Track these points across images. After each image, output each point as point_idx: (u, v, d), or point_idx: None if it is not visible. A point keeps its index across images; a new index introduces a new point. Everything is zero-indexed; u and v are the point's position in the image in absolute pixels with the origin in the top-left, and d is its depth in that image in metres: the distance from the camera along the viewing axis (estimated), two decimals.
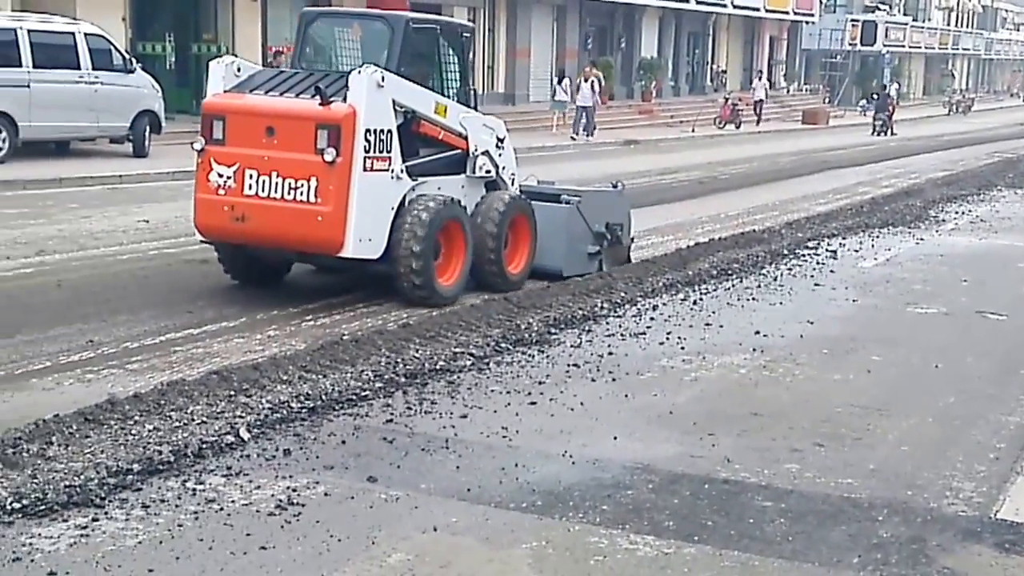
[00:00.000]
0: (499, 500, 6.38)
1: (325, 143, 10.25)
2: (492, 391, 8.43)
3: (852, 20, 67.09)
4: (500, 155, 12.19)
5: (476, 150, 11.81)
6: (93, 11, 24.76)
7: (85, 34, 21.25)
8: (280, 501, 6.21)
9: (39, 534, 5.69)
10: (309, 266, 12.11)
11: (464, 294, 11.53)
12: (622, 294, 11.85)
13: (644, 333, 10.41)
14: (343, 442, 7.22)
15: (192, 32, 30.42)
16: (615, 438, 7.52)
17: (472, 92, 12.24)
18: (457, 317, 10.37)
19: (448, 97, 11.73)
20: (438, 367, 8.85)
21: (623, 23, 47.39)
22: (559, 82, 36.34)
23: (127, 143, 22.17)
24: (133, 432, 6.98)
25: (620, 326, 10.63)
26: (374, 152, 10.45)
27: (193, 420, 7.27)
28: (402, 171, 10.82)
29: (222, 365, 8.66)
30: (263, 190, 10.47)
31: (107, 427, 7.03)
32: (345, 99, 10.37)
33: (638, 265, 13.65)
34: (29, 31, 20.29)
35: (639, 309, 11.39)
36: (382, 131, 10.51)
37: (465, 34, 12.44)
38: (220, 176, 10.63)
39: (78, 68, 20.94)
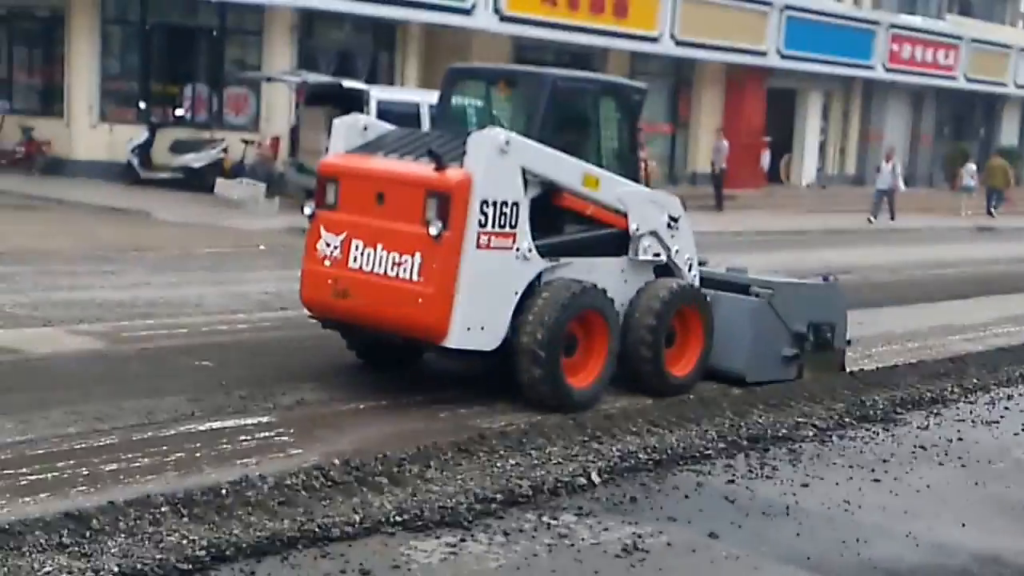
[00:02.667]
0: (839, 572, 6.20)
1: (434, 214, 8.59)
2: (834, 464, 8.21)
3: None
4: (673, 236, 10.02)
5: (638, 229, 9.74)
6: None
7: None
8: (626, 545, 6.31)
9: (415, 547, 6.05)
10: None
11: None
12: (974, 380, 11.16)
13: (997, 422, 9.78)
14: (686, 496, 7.24)
15: None
16: (963, 525, 7.10)
17: (641, 164, 10.37)
18: (801, 388, 10.14)
19: (610, 168, 9.81)
20: (780, 434, 8.72)
21: (982, 111, 45.36)
22: (961, 166, 35.31)
23: None
24: (498, 465, 7.30)
25: (971, 412, 10.04)
26: (493, 227, 8.65)
27: (550, 460, 7.51)
28: (531, 250, 8.92)
29: (577, 412, 8.86)
30: (367, 263, 8.90)
31: (476, 458, 7.39)
32: (463, 164, 8.74)
33: (994, 352, 12.74)
34: (430, 104, 21.64)
35: (992, 397, 10.70)
36: (505, 203, 8.71)
37: (635, 96, 10.28)
38: (328, 245, 9.16)
39: None
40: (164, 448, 7.39)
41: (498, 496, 6.76)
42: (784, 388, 10.13)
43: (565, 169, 9.26)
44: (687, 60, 32.07)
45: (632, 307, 9.65)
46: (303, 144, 22.07)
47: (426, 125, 21.43)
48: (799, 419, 9.15)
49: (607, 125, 10.10)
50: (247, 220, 20.02)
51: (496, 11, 26.10)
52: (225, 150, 23.32)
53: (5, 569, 5.20)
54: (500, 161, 8.67)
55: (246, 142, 23.39)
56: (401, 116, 21.45)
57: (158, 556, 5.49)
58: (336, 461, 6.99)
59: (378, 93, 21.48)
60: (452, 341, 8.60)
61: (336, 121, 9.62)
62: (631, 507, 6.94)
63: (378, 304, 8.86)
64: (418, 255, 8.62)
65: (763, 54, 32.69)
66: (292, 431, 8.00)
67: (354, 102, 21.38)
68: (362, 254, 8.95)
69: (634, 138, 10.26)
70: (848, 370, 11.00)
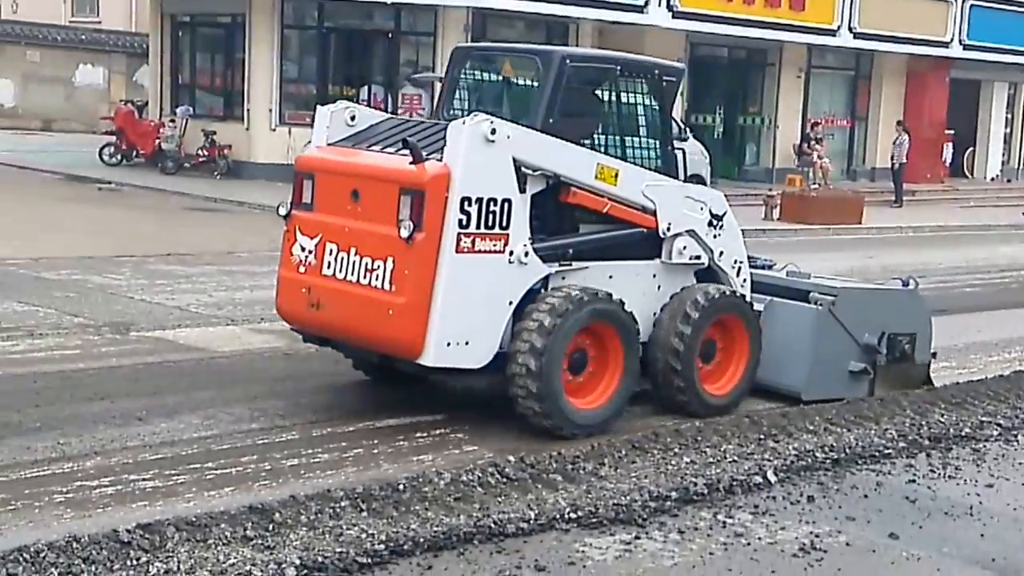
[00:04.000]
0: None
1: (407, 213, 7.65)
2: (1020, 464, 7.96)
3: None
4: (715, 237, 8.89)
5: (669, 229, 8.64)
6: None
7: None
8: (803, 544, 6.25)
9: (590, 543, 6.10)
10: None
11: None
12: None
13: None
14: (865, 496, 7.12)
15: (740, 104, 31.11)
16: None
17: (676, 154, 9.06)
18: (984, 387, 9.81)
19: (637, 159, 8.71)
20: (963, 434, 8.47)
21: None
22: None
23: None
24: (672, 462, 7.30)
25: None
26: (477, 227, 7.63)
27: (725, 458, 7.49)
28: (527, 254, 7.85)
29: (751, 409, 8.79)
30: (340, 270, 8.01)
31: (650, 455, 7.40)
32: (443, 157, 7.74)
33: None
34: None
35: None
36: (492, 200, 7.70)
37: (666, 78, 8.93)
38: (302, 250, 8.27)
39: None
40: (343, 444, 7.61)
41: (673, 494, 6.76)
42: (968, 386, 9.82)
43: (572, 161, 8.18)
44: (866, 52, 31.32)
45: (661, 317, 8.62)
46: None
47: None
48: (983, 418, 8.89)
49: (633, 111, 8.93)
50: None
51: (669, 7, 25.98)
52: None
53: (192, 561, 5.43)
54: (485, 152, 7.67)
55: None
56: None
57: (338, 549, 5.66)
58: (511, 458, 7.09)
59: None
60: (429, 358, 7.63)
61: (320, 109, 8.72)
62: (808, 506, 6.86)
63: (350, 316, 8.00)
64: (390, 261, 7.71)
65: (945, 45, 31.68)
66: (467, 428, 8.12)
67: None
68: (336, 260, 8.07)
69: (666, 125, 9.05)
70: (934, 385, 9.80)
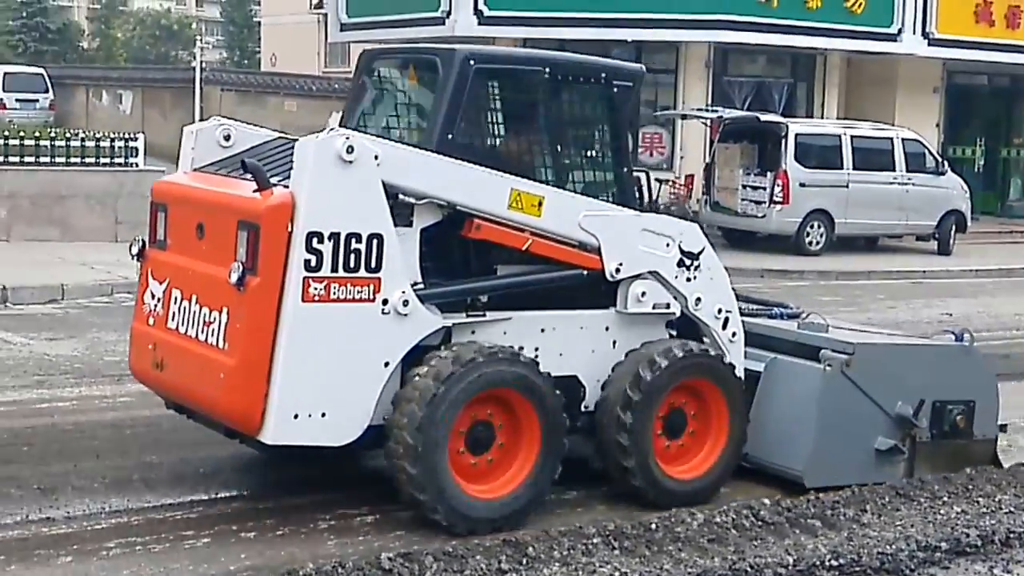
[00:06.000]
0: None
1: (243, 253, 6.35)
2: None
3: None
4: (689, 280, 7.34)
5: (619, 270, 7.11)
6: (910, 117, 25.33)
7: (902, 139, 21.92)
8: None
9: None
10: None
11: None
12: None
13: None
14: None
15: (1003, 136, 29.91)
16: None
17: (634, 178, 7.59)
18: None
19: (578, 184, 7.34)
20: None
21: None
22: None
23: (932, 240, 22.34)
24: (941, 512, 7.06)
25: None
26: (333, 270, 6.27)
27: (1000, 508, 7.20)
28: (406, 303, 6.44)
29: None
30: (182, 323, 6.80)
31: (917, 503, 7.18)
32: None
33: None
34: (852, 136, 21.39)
35: None
36: (354, 236, 6.32)
37: (617, 83, 7.42)
38: (152, 297, 7.11)
39: (893, 170, 21.61)
40: (593, 481, 7.54)
41: (943, 544, 6.54)
42: None
43: (473, 186, 6.71)
44: None
45: (610, 379, 7.14)
46: (718, 181, 22.25)
47: (848, 159, 21.15)
48: None
49: (573, 124, 7.55)
50: None
51: (925, 35, 25.29)
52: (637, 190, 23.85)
53: None
54: (342, 176, 6.28)
55: (660, 181, 23.80)
56: (822, 150, 21.32)
57: None
58: (766, 501, 6.99)
59: (797, 127, 21.29)
60: (268, 434, 6.28)
61: (186, 129, 7.52)
62: None
63: (188, 379, 6.81)
64: (225, 312, 6.45)
65: None
66: None
67: (771, 136, 21.34)
68: (179, 309, 6.86)
69: (619, 141, 7.55)
70: (1003, 466, 8.06)
